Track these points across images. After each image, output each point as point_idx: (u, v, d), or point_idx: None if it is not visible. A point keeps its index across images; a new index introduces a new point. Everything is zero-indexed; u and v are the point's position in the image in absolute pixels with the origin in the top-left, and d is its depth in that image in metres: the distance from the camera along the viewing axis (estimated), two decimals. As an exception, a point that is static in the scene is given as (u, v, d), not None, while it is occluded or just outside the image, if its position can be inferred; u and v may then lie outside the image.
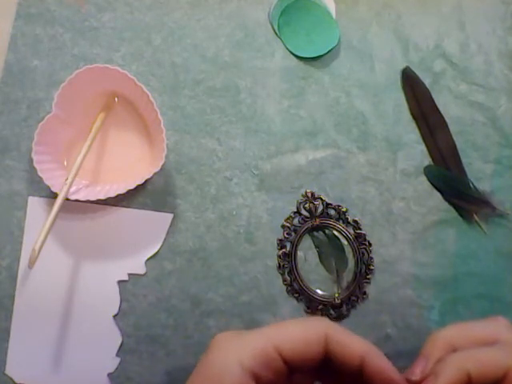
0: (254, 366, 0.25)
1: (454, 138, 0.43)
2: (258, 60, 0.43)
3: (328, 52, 0.43)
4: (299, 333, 0.26)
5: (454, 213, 0.42)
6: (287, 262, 0.41)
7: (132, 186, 0.38)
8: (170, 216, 0.41)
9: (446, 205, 0.42)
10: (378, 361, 0.26)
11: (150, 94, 0.38)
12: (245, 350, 0.25)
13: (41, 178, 0.38)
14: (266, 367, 0.25)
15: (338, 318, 0.41)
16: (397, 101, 0.43)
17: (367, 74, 0.43)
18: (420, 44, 0.44)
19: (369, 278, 0.41)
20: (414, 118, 0.43)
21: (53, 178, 0.38)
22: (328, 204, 0.42)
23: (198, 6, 0.44)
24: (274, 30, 0.44)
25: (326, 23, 0.44)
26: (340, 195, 0.42)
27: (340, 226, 0.41)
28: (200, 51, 0.43)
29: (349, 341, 0.26)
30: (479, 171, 0.42)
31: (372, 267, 0.41)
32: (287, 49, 0.43)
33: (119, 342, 0.40)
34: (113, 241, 0.41)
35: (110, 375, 0.40)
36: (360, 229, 0.42)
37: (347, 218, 0.42)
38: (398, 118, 0.43)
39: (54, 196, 0.37)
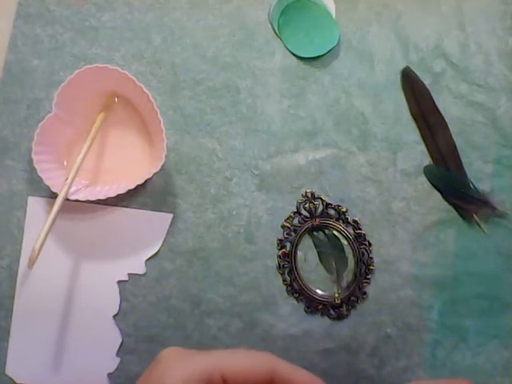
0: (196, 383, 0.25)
1: (454, 138, 0.42)
2: (258, 60, 0.43)
3: (328, 52, 0.43)
4: (246, 364, 0.26)
5: (453, 213, 0.42)
6: (287, 262, 0.41)
7: (132, 186, 0.38)
8: (169, 216, 0.41)
9: (445, 205, 0.42)
10: None
11: (149, 94, 0.38)
12: (191, 370, 0.26)
13: (41, 178, 0.38)
14: None
15: (338, 317, 0.41)
16: (397, 101, 0.43)
17: (367, 74, 0.43)
18: (420, 44, 0.44)
19: (369, 278, 0.41)
20: (414, 118, 0.43)
21: (53, 178, 0.38)
22: (328, 204, 0.42)
23: (198, 6, 0.44)
24: (274, 30, 0.44)
25: (325, 23, 0.44)
26: (340, 195, 0.42)
27: (340, 225, 0.41)
28: (200, 51, 0.43)
29: (294, 376, 0.26)
30: (479, 171, 0.42)
31: (372, 267, 0.41)
32: (287, 49, 0.43)
33: (119, 342, 0.40)
34: (113, 241, 0.41)
35: (109, 375, 0.40)
36: (360, 229, 0.42)
37: (347, 218, 0.42)
38: (398, 118, 0.43)
39: (54, 196, 0.37)
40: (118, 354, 0.40)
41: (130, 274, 0.41)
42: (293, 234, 0.41)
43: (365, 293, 0.41)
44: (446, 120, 0.43)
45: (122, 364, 0.40)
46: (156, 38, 0.43)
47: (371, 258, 0.41)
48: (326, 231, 0.42)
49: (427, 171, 0.42)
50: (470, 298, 0.41)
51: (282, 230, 0.42)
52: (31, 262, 0.34)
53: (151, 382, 0.26)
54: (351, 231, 0.42)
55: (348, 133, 0.43)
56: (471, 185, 0.42)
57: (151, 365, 0.27)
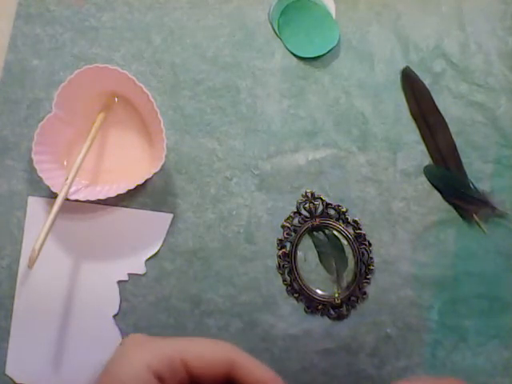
0: (160, 369, 0.26)
1: (454, 138, 0.42)
2: (258, 60, 0.43)
3: (328, 52, 0.43)
4: (207, 351, 0.27)
5: (453, 213, 0.42)
6: (287, 262, 0.41)
7: (132, 186, 0.38)
8: (169, 216, 0.41)
9: (445, 205, 0.42)
10: None
11: (149, 94, 0.38)
12: (153, 354, 0.27)
13: (41, 178, 0.38)
14: (171, 374, 0.26)
15: (338, 317, 0.41)
16: (397, 101, 0.43)
17: (367, 74, 0.43)
18: (420, 44, 0.44)
19: (369, 278, 0.41)
20: (414, 118, 0.43)
21: (53, 178, 0.38)
22: (328, 204, 0.42)
23: (198, 6, 0.44)
24: (274, 30, 0.44)
25: (326, 23, 0.44)
26: (340, 195, 0.42)
27: (340, 225, 0.41)
28: (200, 51, 0.43)
29: (253, 369, 0.27)
30: (479, 171, 0.42)
31: (372, 267, 0.41)
32: (287, 49, 0.43)
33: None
34: (113, 241, 0.41)
35: (109, 375, 0.40)
36: (360, 229, 0.42)
37: (347, 218, 0.42)
38: (398, 118, 0.43)
39: (54, 196, 0.37)
40: (117, 354, 0.40)
41: (130, 274, 0.41)
42: (293, 233, 0.41)
43: (365, 293, 0.41)
44: (446, 120, 0.43)
45: (122, 364, 0.40)
46: (156, 37, 0.43)
47: (371, 258, 0.41)
48: (326, 231, 0.42)
49: (427, 171, 0.42)
50: (470, 298, 0.41)
51: (282, 230, 0.42)
52: (31, 262, 0.34)
53: (115, 367, 0.27)
54: (351, 231, 0.42)
55: (348, 133, 0.43)
56: (471, 185, 0.42)
57: (116, 351, 0.28)
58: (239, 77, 0.43)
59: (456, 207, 0.42)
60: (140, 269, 0.41)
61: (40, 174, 0.38)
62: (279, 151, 0.42)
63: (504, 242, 0.42)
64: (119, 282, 0.40)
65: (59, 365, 0.40)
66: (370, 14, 0.44)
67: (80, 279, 0.40)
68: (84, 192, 0.39)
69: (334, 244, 0.42)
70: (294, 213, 0.42)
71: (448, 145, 0.42)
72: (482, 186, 0.42)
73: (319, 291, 0.41)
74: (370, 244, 0.41)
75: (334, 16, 0.44)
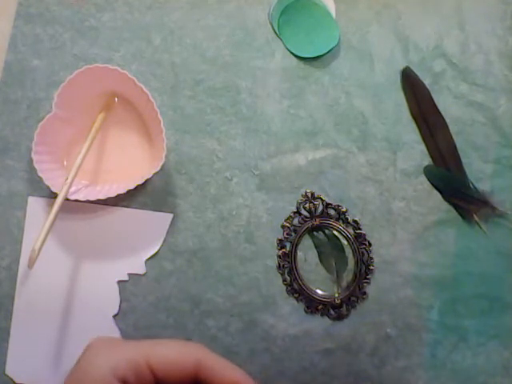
0: (125, 374, 0.26)
1: (454, 138, 0.43)
2: (258, 60, 0.43)
3: (328, 52, 0.43)
4: (173, 353, 0.27)
5: (453, 213, 0.42)
6: (287, 262, 0.41)
7: (132, 186, 0.38)
8: (169, 216, 0.41)
9: (445, 205, 0.42)
10: None
11: (149, 94, 0.38)
12: (118, 359, 0.26)
13: (41, 178, 0.38)
14: (136, 378, 0.26)
15: (338, 317, 0.41)
16: (397, 101, 0.43)
17: (367, 74, 0.43)
18: (420, 44, 0.44)
19: (369, 278, 0.41)
20: (414, 118, 0.43)
21: (53, 178, 0.38)
22: (328, 204, 0.42)
23: (198, 6, 0.44)
24: (274, 30, 0.44)
25: (326, 23, 0.44)
26: (340, 195, 0.42)
27: (340, 225, 0.41)
28: (200, 51, 0.43)
29: (221, 370, 0.27)
30: (479, 171, 0.42)
31: (372, 267, 0.41)
32: (287, 49, 0.43)
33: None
34: (113, 241, 0.41)
35: (109, 375, 0.40)
36: (360, 229, 0.42)
37: (347, 218, 0.42)
38: (398, 118, 0.43)
39: (54, 196, 0.37)
40: (117, 354, 0.40)
41: (130, 274, 0.41)
42: (293, 233, 0.41)
43: (365, 293, 0.41)
44: (446, 120, 0.43)
45: (122, 364, 0.40)
46: (156, 37, 0.43)
47: (371, 258, 0.41)
48: (326, 231, 0.42)
49: (427, 171, 0.42)
50: (470, 298, 0.41)
51: (282, 230, 0.42)
52: (31, 262, 0.34)
53: (79, 372, 0.27)
54: (351, 231, 0.42)
55: (348, 133, 0.43)
56: (471, 185, 0.42)
57: (82, 355, 0.28)
58: (239, 77, 0.43)
59: (456, 207, 0.42)
60: (140, 269, 0.41)
61: (40, 174, 0.38)
62: (279, 151, 0.42)
63: (504, 242, 0.42)
64: (119, 282, 0.40)
65: (59, 365, 0.40)
66: (370, 13, 0.44)
67: (80, 279, 0.40)
68: (84, 192, 0.39)
69: (333, 244, 0.42)
70: (294, 213, 0.42)
71: (448, 145, 0.42)
72: (482, 186, 0.42)
73: (319, 291, 0.41)
74: (370, 244, 0.41)
75: (334, 16, 0.44)
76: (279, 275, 0.41)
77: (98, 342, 0.28)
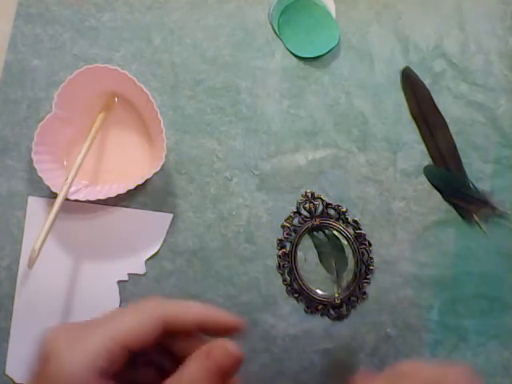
0: (102, 364, 0.24)
1: (454, 138, 0.43)
2: (258, 60, 0.43)
3: (328, 52, 0.43)
4: (137, 322, 0.26)
5: (453, 213, 0.42)
6: (287, 261, 0.41)
7: (132, 186, 0.38)
8: (169, 216, 0.41)
9: (445, 205, 0.42)
10: (214, 318, 0.28)
11: (149, 94, 0.38)
12: (93, 352, 0.24)
13: (41, 178, 0.38)
14: (113, 363, 0.25)
15: (338, 317, 0.41)
16: (397, 101, 0.43)
17: (367, 74, 0.43)
18: (420, 44, 0.44)
19: (369, 278, 0.41)
20: (414, 118, 0.43)
21: (53, 178, 0.38)
22: (328, 204, 0.42)
23: (198, 6, 0.44)
24: (274, 30, 0.44)
25: (326, 23, 0.44)
26: (340, 195, 0.42)
27: (340, 225, 0.41)
28: (200, 51, 0.43)
29: (184, 313, 0.26)
30: (479, 171, 0.42)
31: (372, 267, 0.41)
32: (287, 49, 0.43)
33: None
34: (113, 241, 0.41)
35: (109, 375, 0.40)
36: (360, 229, 0.42)
37: (347, 218, 0.42)
38: (398, 118, 0.43)
39: (54, 196, 0.37)
40: (117, 354, 0.40)
41: (130, 274, 0.41)
42: (293, 233, 0.41)
43: (365, 293, 0.41)
44: (446, 120, 0.43)
45: (122, 364, 0.40)
46: (156, 37, 0.43)
47: (371, 258, 0.41)
48: (326, 231, 0.42)
49: (427, 171, 0.42)
50: (470, 297, 0.41)
51: (281, 230, 0.42)
52: (31, 262, 0.34)
53: (50, 371, 0.24)
54: (351, 231, 0.42)
55: (348, 133, 0.43)
56: (471, 185, 0.42)
57: (40, 351, 0.25)
58: (239, 77, 0.43)
59: (456, 207, 0.42)
60: (140, 269, 0.41)
61: (40, 174, 0.38)
62: (279, 151, 0.42)
63: (504, 242, 0.42)
64: (119, 282, 0.40)
65: (59, 365, 0.39)
66: (370, 13, 0.44)
67: (80, 279, 0.40)
68: (84, 192, 0.39)
69: (333, 244, 0.42)
70: (294, 213, 0.42)
71: (448, 145, 0.42)
72: (482, 185, 0.42)
73: (319, 291, 0.41)
74: (370, 244, 0.41)
75: (334, 16, 0.44)
76: (279, 275, 0.41)
77: (56, 333, 0.26)
